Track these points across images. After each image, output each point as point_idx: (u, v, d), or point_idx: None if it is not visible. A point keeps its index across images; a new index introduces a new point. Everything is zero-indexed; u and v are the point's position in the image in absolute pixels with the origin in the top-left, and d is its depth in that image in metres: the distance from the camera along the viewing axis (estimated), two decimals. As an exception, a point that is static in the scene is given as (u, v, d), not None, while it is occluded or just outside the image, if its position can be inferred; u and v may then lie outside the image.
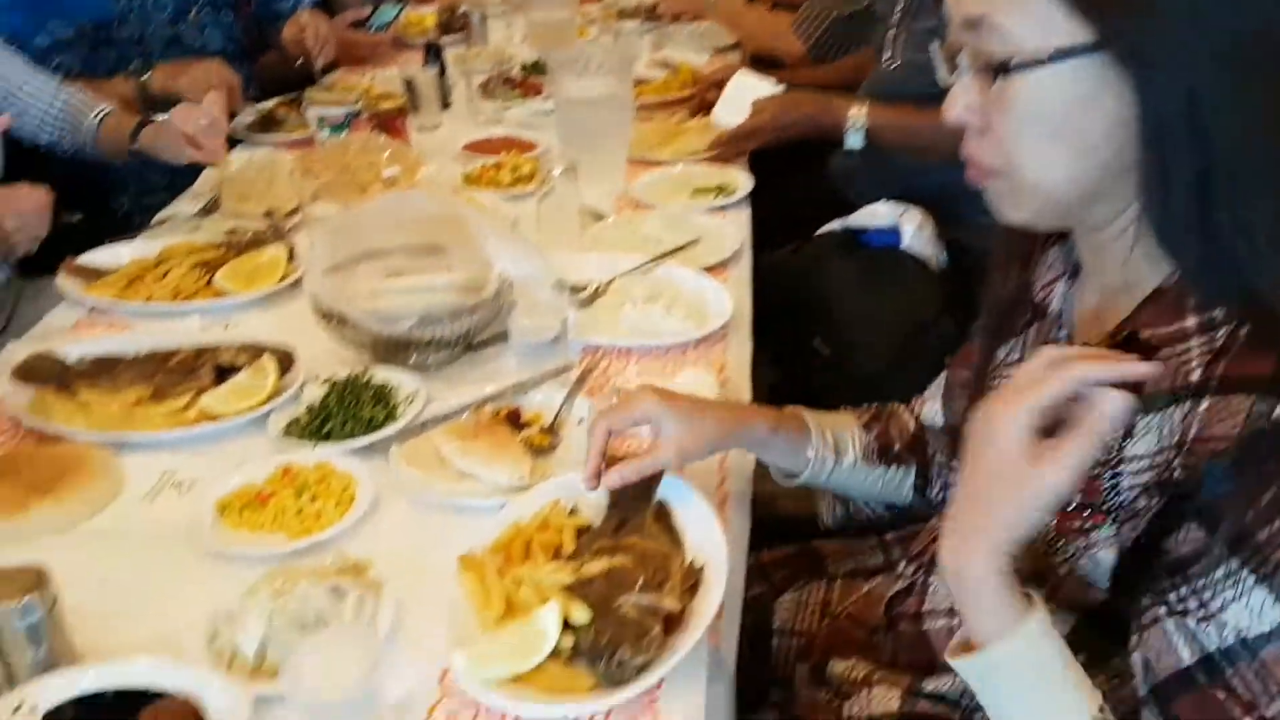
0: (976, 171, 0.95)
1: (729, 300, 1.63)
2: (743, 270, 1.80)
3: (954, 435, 1.24)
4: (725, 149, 2.23)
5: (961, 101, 0.92)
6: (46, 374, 1.46)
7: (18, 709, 0.93)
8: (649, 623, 0.96)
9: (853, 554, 1.38)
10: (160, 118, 2.11)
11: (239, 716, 0.91)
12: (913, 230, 1.97)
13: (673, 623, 0.99)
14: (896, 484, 1.29)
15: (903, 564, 1.22)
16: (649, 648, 0.94)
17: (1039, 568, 0.96)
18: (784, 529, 1.47)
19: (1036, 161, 0.90)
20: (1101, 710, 0.83)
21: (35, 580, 0.97)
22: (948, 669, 1.09)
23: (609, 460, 1.14)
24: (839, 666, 1.20)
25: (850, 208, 2.22)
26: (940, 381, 1.27)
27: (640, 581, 1.01)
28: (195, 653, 1.00)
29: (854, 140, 2.17)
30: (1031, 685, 0.84)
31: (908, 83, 2.20)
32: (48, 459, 1.29)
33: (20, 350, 1.56)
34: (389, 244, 1.62)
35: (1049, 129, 0.88)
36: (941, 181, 2.15)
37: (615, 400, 1.23)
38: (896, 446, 1.27)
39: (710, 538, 1.11)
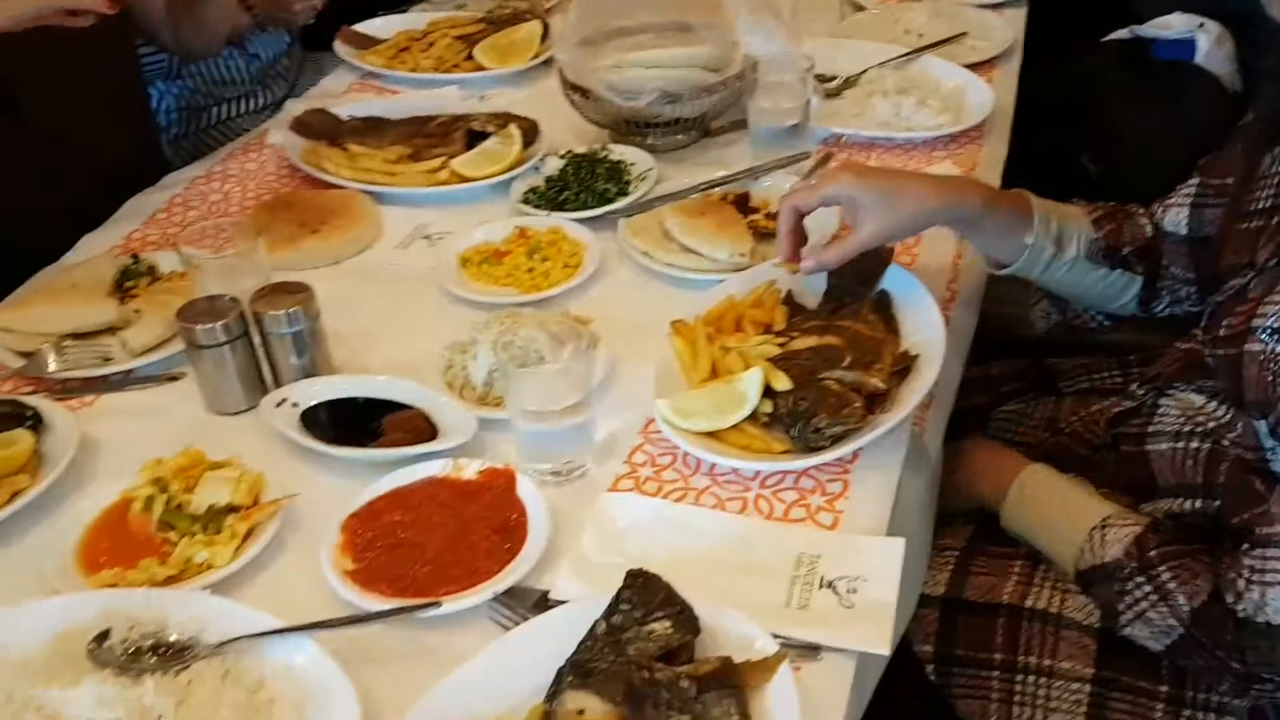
0: None
1: (991, 98, 1.51)
2: (1010, 71, 1.66)
3: (1198, 246, 1.12)
4: None
5: None
6: (320, 128, 1.58)
7: (281, 403, 1.06)
8: (850, 396, 0.96)
9: (1089, 372, 1.30)
10: None
11: (466, 432, 1.00)
12: (1209, 44, 1.73)
13: (877, 402, 0.98)
14: (1119, 290, 1.16)
15: (1135, 385, 1.14)
16: (847, 419, 0.94)
17: (1268, 398, 0.88)
18: (1015, 347, 1.40)
19: None
20: (1105, 520, 1.00)
21: (303, 296, 1.09)
22: (1167, 493, 1.04)
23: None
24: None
25: (1126, 16, 1.98)
26: (1189, 188, 1.14)
27: (848, 360, 1.00)
28: (432, 378, 1.10)
29: None
30: (1046, 503, 1.07)
31: None
32: (318, 202, 1.41)
33: (299, 107, 1.70)
34: (638, 21, 1.61)
35: None
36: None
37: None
38: (1126, 250, 1.14)
39: (929, 330, 1.07)
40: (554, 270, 1.27)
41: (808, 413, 0.94)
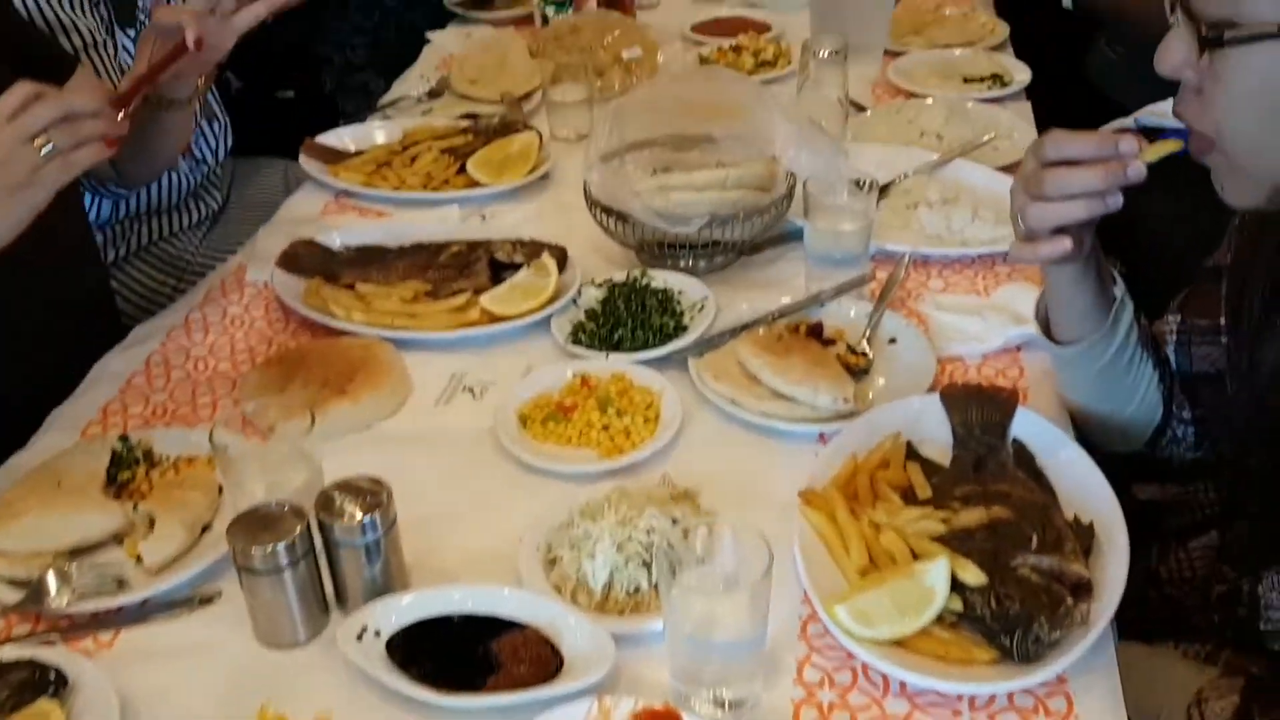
0: (1196, 141, 0.85)
1: (1044, 208, 1.44)
2: (1038, 173, 1.60)
3: (1194, 384, 1.08)
4: None
5: (1178, 54, 0.82)
6: (312, 262, 1.40)
7: (362, 634, 0.87)
8: (1059, 592, 0.84)
9: (1190, 507, 1.21)
10: None
11: (604, 659, 0.83)
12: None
13: (1080, 593, 0.86)
14: (1151, 407, 1.08)
15: (1227, 567, 1.05)
16: (1067, 622, 0.82)
17: None
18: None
19: (1253, 142, 0.81)
20: (1200, 694, 0.92)
21: (378, 495, 0.90)
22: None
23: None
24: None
25: (1111, 106, 1.98)
26: (1174, 323, 1.10)
27: (1034, 540, 0.88)
28: (527, 576, 0.93)
29: None
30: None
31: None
32: (336, 353, 1.23)
33: (275, 237, 1.51)
34: (661, 133, 1.50)
35: (1269, 107, 0.78)
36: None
37: None
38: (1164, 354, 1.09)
39: (1090, 487, 0.97)
40: (634, 426, 1.12)
41: (1023, 618, 0.81)
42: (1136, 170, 0.87)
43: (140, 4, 1.74)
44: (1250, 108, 0.80)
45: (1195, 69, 0.81)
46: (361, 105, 2.49)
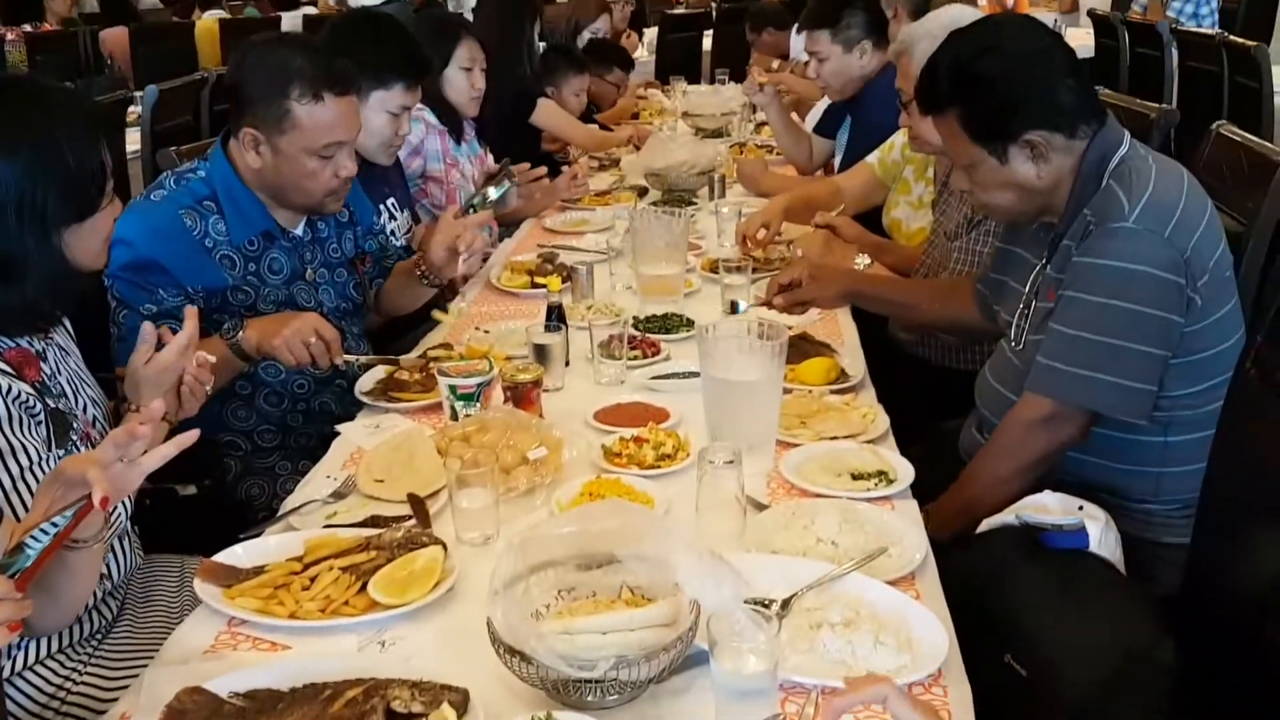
0: None
1: (942, 631, 1.47)
2: (932, 583, 1.66)
3: None
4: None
5: None
6: (199, 717, 1.32)
7: None
8: None
9: None
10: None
11: None
12: (1099, 531, 1.81)
13: None
14: None
15: None
16: None
17: None
18: None
19: None
20: None
21: None
22: None
23: None
24: None
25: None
26: None
27: None
28: None
29: None
30: None
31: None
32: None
33: (162, 676, 1.43)
34: (559, 555, 1.52)
35: None
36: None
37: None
38: None
39: None
40: None
41: None
42: None
43: (74, 426, 1.74)
44: None
45: None
46: (267, 490, 2.50)
